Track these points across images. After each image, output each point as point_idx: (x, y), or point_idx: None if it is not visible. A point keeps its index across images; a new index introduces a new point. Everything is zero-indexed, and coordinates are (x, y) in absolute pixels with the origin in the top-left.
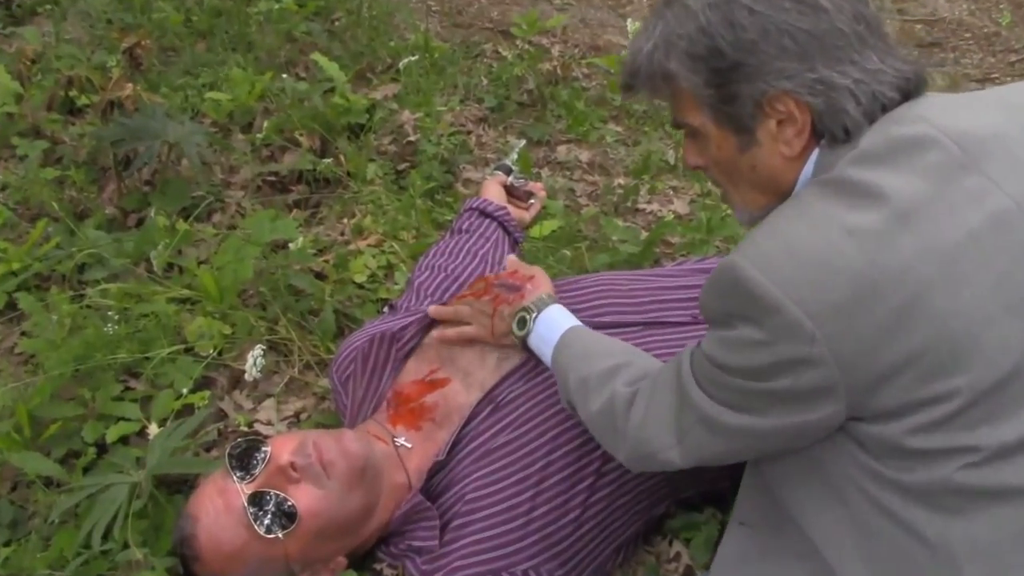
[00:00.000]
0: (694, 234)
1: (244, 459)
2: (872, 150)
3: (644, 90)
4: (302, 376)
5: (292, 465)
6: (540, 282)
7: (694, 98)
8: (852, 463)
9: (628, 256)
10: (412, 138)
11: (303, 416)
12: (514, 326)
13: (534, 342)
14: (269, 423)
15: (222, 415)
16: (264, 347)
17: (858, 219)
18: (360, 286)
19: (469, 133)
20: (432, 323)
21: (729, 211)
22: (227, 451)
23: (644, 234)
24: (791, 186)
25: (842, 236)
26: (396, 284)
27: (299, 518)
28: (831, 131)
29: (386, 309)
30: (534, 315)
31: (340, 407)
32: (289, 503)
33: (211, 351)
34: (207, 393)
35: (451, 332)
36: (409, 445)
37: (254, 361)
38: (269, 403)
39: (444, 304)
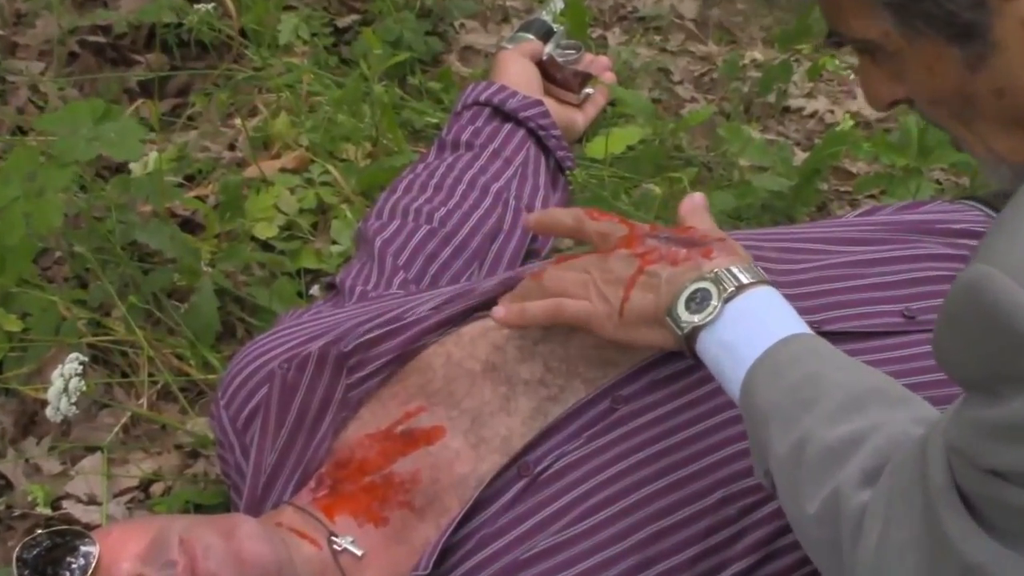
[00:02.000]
0: (894, 157)
1: (47, 569)
2: None
3: None
4: (156, 413)
5: None
6: (734, 246)
7: None
8: None
9: (771, 197)
10: None
11: (158, 489)
12: (679, 304)
13: (712, 344)
14: (92, 502)
15: (3, 484)
16: (84, 359)
17: None
18: (267, 246)
19: None
20: (427, 329)
21: None
22: (16, 554)
23: (802, 156)
24: None
25: None
26: (337, 244)
27: None
28: None
29: (315, 291)
30: (728, 291)
31: (233, 476)
32: None
33: None
34: None
35: (537, 306)
36: (359, 552)
37: (65, 385)
38: (92, 463)
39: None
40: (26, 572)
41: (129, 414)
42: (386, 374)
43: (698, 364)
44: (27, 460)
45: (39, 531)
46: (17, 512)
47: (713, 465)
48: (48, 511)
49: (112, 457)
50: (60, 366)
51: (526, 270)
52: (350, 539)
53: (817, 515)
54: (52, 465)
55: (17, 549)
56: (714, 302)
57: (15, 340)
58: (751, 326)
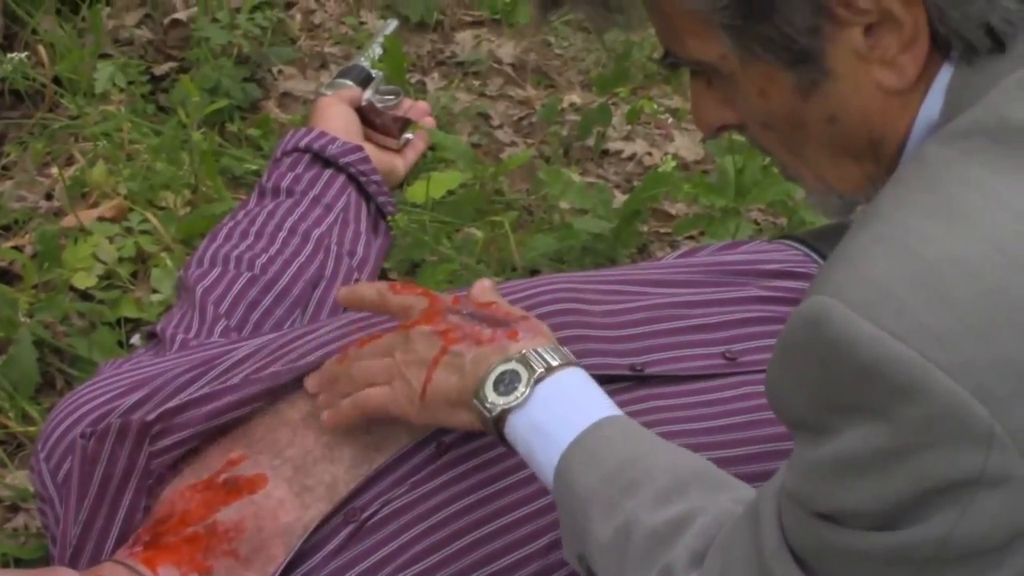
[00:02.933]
0: (712, 198)
1: None
2: None
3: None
4: None
5: None
6: (538, 326)
7: (697, 12)
8: None
9: (592, 240)
10: (181, 15)
11: None
12: (487, 385)
13: (521, 427)
14: None
15: None
16: None
17: None
18: (86, 295)
19: (291, 6)
20: (238, 402)
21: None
22: None
23: (621, 198)
24: (901, 141)
25: (1020, 239)
26: (157, 293)
27: None
28: (966, 36)
29: (136, 340)
30: (537, 372)
31: (53, 528)
32: None
33: None
34: None
35: (344, 406)
36: None
37: None
38: None
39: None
40: None
41: None
42: (191, 446)
43: (506, 447)
44: None
45: None
46: None
47: (540, 510)
48: None
49: None
50: None
51: (344, 340)
52: None
53: None
54: None
55: None
56: (523, 384)
57: None
58: (563, 407)
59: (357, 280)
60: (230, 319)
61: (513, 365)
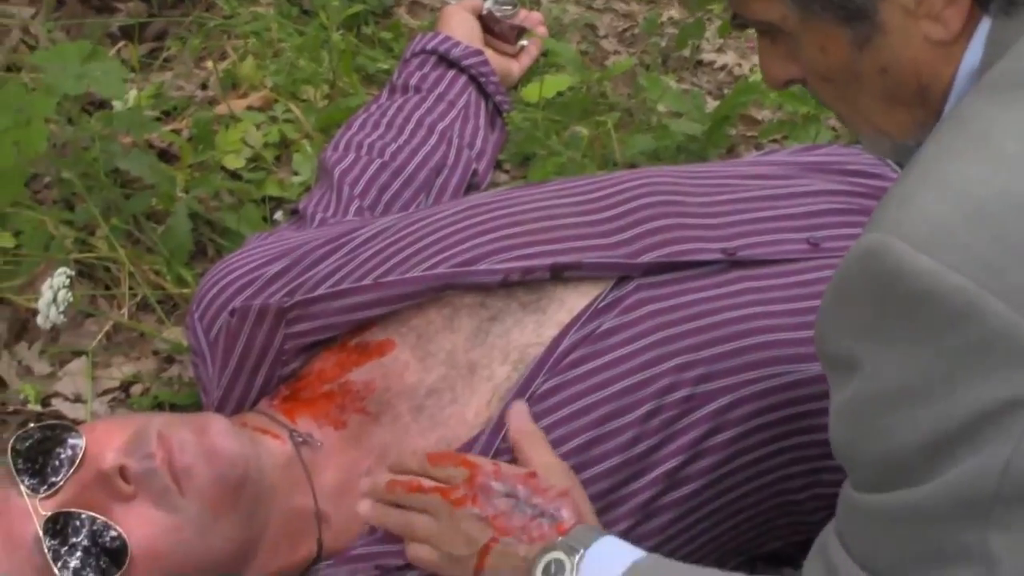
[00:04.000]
0: (795, 106)
1: (38, 459)
2: None
3: None
4: (136, 322)
5: (122, 471)
6: (579, 501)
7: None
8: None
9: (685, 140)
10: None
11: (137, 390)
12: (537, 573)
13: None
14: (78, 400)
15: None
16: (71, 273)
17: None
18: (235, 175)
19: None
20: (365, 304)
21: None
22: (10, 444)
23: (713, 104)
24: (947, 88)
25: None
26: (298, 175)
27: (130, 559)
28: None
29: (279, 216)
30: (579, 556)
31: (204, 379)
32: (114, 534)
33: None
34: None
35: (411, 552)
36: (319, 443)
37: (54, 296)
38: (78, 365)
39: (388, 486)
40: (19, 461)
41: (111, 323)
42: (323, 336)
43: None
44: (19, 362)
45: (31, 425)
46: (10, 408)
47: (643, 381)
48: (38, 408)
49: (96, 361)
50: (49, 279)
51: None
52: (312, 435)
53: None
54: (42, 367)
55: (12, 441)
56: (569, 570)
57: (9, 255)
58: (602, 570)
59: (475, 169)
60: (363, 200)
61: (558, 555)
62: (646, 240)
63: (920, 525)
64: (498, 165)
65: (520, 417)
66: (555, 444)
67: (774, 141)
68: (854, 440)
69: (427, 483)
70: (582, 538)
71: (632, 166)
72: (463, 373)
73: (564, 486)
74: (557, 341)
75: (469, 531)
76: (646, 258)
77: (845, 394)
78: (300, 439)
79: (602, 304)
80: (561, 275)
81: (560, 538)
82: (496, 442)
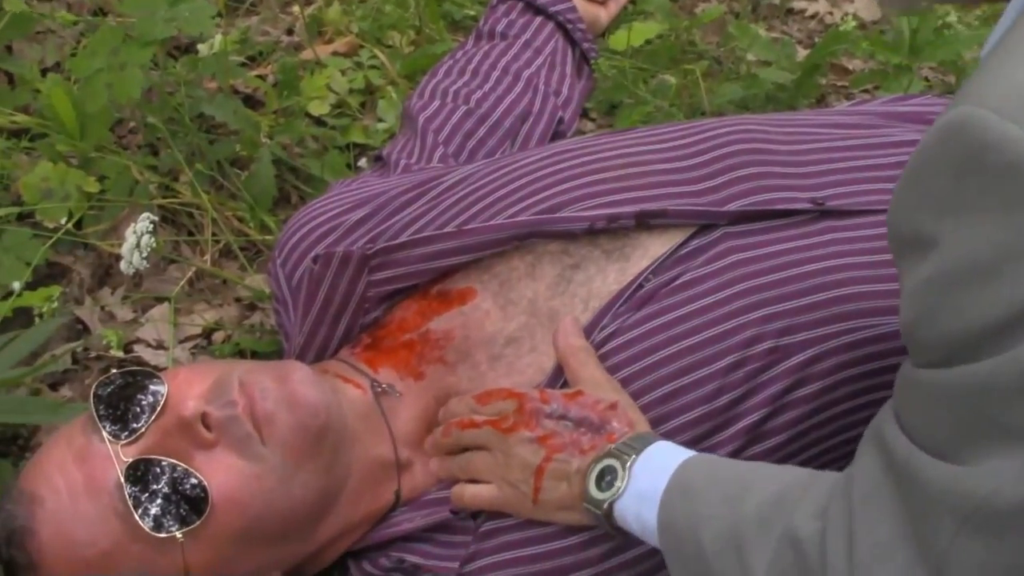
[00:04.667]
0: (887, 56)
1: (120, 405)
2: None
3: None
4: (218, 268)
5: (203, 418)
6: (628, 411)
7: None
8: None
9: (775, 89)
10: None
11: (219, 337)
12: (590, 485)
13: (627, 506)
14: (160, 346)
15: (80, 328)
16: (154, 218)
17: None
18: (320, 121)
19: None
20: (449, 251)
21: (949, 15)
22: (92, 390)
23: (803, 53)
24: None
25: None
26: (382, 122)
27: (211, 507)
28: None
29: (363, 163)
30: (629, 459)
31: (286, 327)
32: (195, 481)
33: (63, 221)
34: (56, 290)
35: (468, 492)
36: (399, 393)
37: (137, 241)
38: (160, 312)
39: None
40: (101, 407)
41: (194, 269)
42: (406, 284)
43: (620, 536)
44: (103, 308)
45: (113, 371)
46: (93, 354)
47: (726, 332)
48: (120, 353)
49: (178, 307)
50: (133, 224)
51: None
52: (393, 384)
53: (768, 569)
54: (125, 313)
55: (93, 386)
56: (620, 472)
57: (93, 200)
58: (656, 471)
59: (561, 117)
60: (448, 147)
61: (609, 461)
62: (733, 188)
63: (983, 400)
64: (584, 113)
65: (567, 333)
66: (634, 396)
67: (865, 91)
68: (924, 318)
69: (479, 419)
70: (633, 444)
71: (720, 115)
72: (543, 321)
73: (612, 399)
74: (633, 284)
75: (522, 454)
76: (733, 206)
77: (919, 274)
78: (380, 388)
79: (685, 251)
80: (646, 223)
81: (610, 446)
82: (560, 381)
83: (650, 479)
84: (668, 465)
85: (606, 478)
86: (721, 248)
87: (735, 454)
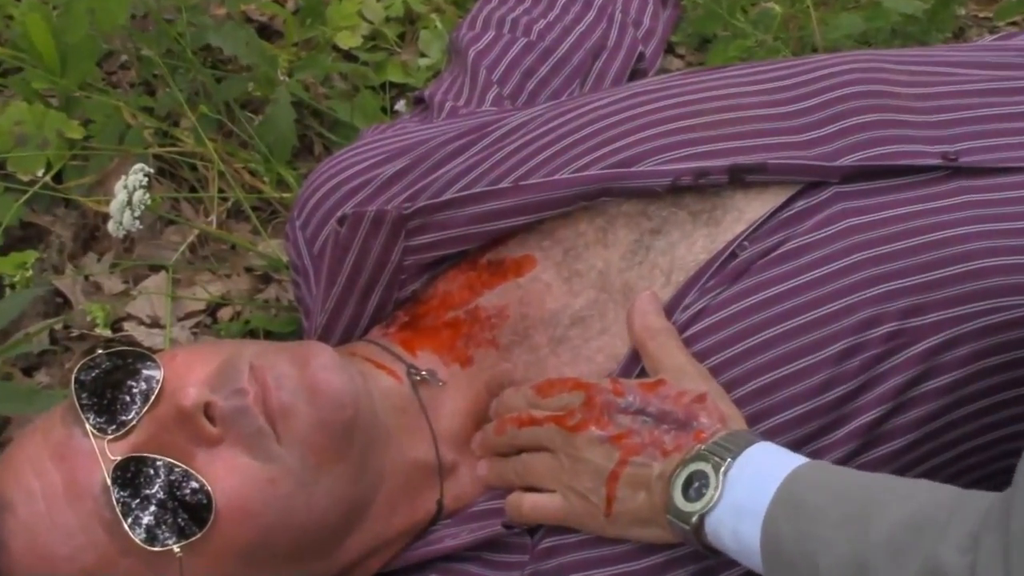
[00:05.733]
0: None
1: (107, 393)
2: None
3: None
4: (225, 232)
5: (206, 409)
6: (720, 404)
7: None
8: None
9: (903, 21)
10: None
11: (226, 314)
12: (676, 493)
13: (723, 521)
14: (155, 324)
15: (60, 302)
16: (149, 171)
17: None
18: (350, 56)
19: None
20: (500, 212)
21: None
22: (74, 375)
23: None
24: None
25: None
26: (425, 57)
27: (215, 516)
28: None
29: (401, 107)
30: (724, 464)
31: (307, 302)
32: (196, 485)
33: (40, 173)
34: (31, 256)
35: (526, 502)
36: (441, 382)
37: (128, 198)
38: (156, 283)
39: (496, 423)
40: (84, 395)
41: (196, 232)
42: (449, 251)
43: (712, 556)
44: (86, 277)
45: (99, 352)
46: (75, 332)
47: (837, 312)
48: (108, 332)
49: (177, 277)
50: (124, 177)
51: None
52: (435, 371)
53: None
54: (113, 284)
55: (75, 370)
56: (713, 481)
57: (76, 148)
58: (758, 479)
59: (641, 52)
60: (503, 87)
61: (698, 465)
62: (848, 139)
63: None
64: (669, 48)
65: (645, 312)
66: (726, 388)
67: (1012, 24)
68: None
69: (539, 414)
70: (727, 444)
71: (834, 51)
72: (616, 297)
73: (700, 389)
74: (724, 252)
75: (593, 458)
76: (847, 161)
77: None
78: (419, 376)
79: (789, 214)
80: (742, 179)
81: (699, 446)
82: (636, 369)
83: (750, 489)
84: (773, 472)
85: (694, 485)
86: (832, 211)
87: (846, 460)
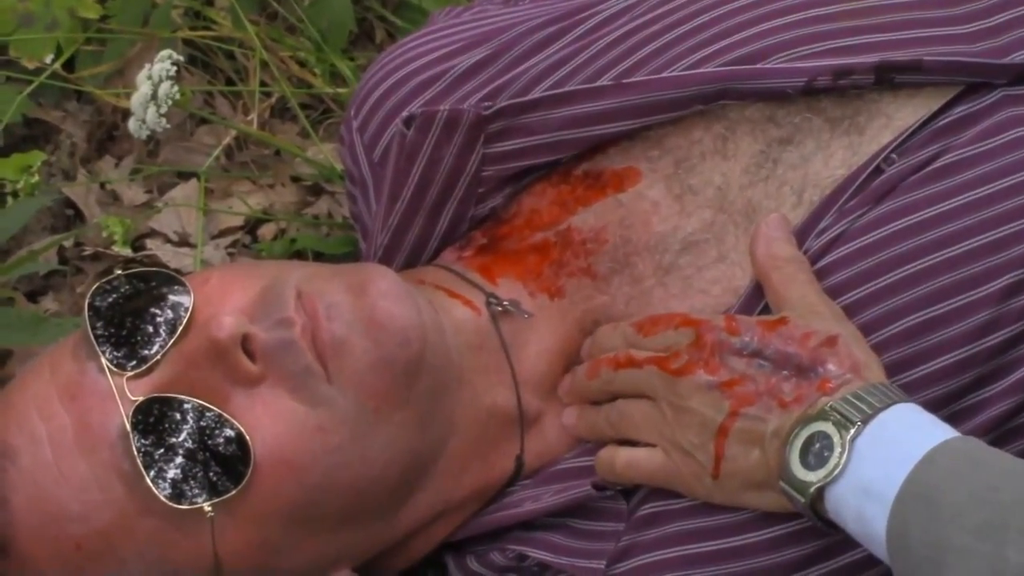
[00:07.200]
0: None
1: (126, 322)
2: None
3: None
4: (269, 134)
5: (246, 342)
6: (854, 349)
7: None
8: None
9: None
10: None
11: (268, 231)
12: (792, 456)
13: (845, 497)
14: (184, 242)
15: (71, 214)
16: (179, 58)
17: None
18: None
19: None
20: (601, 115)
21: None
22: (87, 301)
23: None
24: None
25: None
26: None
27: (254, 470)
28: None
29: None
30: (852, 429)
31: (365, 219)
32: (232, 432)
33: (48, 60)
34: (37, 158)
35: (621, 458)
36: (527, 314)
37: (153, 91)
38: (185, 193)
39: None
40: (99, 324)
41: (234, 133)
42: (537, 160)
43: (831, 531)
44: (103, 186)
45: (117, 273)
46: (89, 251)
47: (1000, 242)
48: (128, 251)
49: (210, 187)
50: (148, 66)
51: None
52: (519, 301)
53: None
54: (135, 193)
55: (89, 295)
56: (837, 448)
57: (91, 30)
58: (890, 456)
59: None
60: None
61: (820, 425)
62: (1020, 31)
63: None
64: None
65: (771, 238)
66: (864, 330)
67: None
68: None
69: (639, 355)
70: (859, 402)
71: None
72: (737, 219)
73: (832, 331)
74: (867, 167)
75: (699, 408)
76: (1019, 57)
77: None
78: (501, 307)
79: (947, 121)
80: (890, 79)
81: (826, 399)
82: (759, 306)
83: (882, 464)
84: (910, 450)
85: (814, 447)
86: (1000, 118)
87: (1013, 415)
